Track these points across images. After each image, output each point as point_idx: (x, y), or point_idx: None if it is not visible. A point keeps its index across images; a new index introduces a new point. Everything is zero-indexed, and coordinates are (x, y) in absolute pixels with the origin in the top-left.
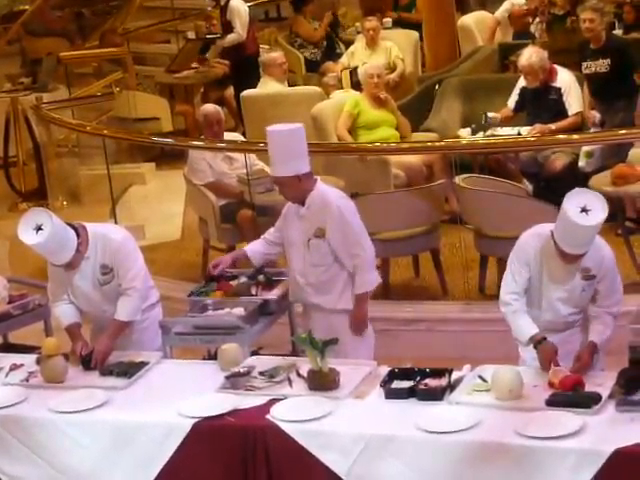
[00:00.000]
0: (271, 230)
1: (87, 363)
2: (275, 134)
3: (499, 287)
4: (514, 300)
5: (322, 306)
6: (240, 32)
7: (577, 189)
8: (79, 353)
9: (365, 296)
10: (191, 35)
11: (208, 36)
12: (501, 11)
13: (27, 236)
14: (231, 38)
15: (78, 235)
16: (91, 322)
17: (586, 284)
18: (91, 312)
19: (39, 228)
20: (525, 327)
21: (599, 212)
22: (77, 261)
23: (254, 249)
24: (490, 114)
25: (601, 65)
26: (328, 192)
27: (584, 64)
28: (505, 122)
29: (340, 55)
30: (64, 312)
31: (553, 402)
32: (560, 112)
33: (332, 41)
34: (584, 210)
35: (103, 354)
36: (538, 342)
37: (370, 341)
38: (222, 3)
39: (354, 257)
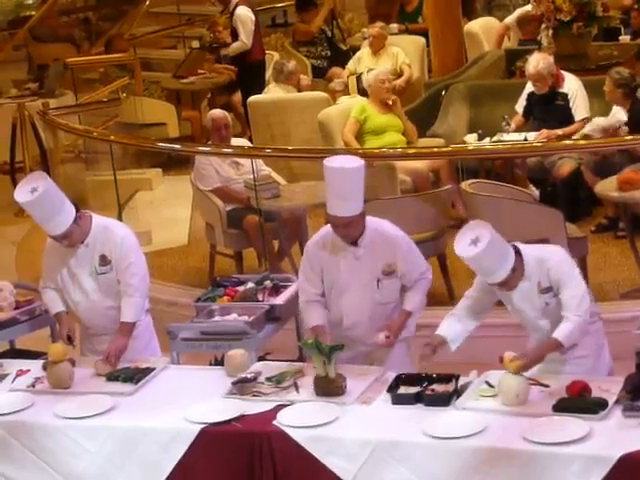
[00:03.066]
0: (310, 290)
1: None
2: (347, 171)
3: None
4: (459, 308)
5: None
6: (244, 40)
7: (467, 225)
8: (65, 335)
9: (410, 315)
10: (196, 45)
11: (213, 45)
12: (512, 18)
13: (21, 195)
14: (236, 47)
15: (78, 210)
16: (80, 313)
17: (546, 297)
18: (81, 302)
19: (34, 190)
20: (440, 327)
21: (484, 239)
22: (75, 237)
23: (324, 319)
24: (507, 117)
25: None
26: (381, 225)
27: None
28: (518, 129)
29: (348, 58)
30: (54, 299)
31: (560, 408)
32: (567, 118)
33: (336, 45)
34: (474, 242)
35: (119, 351)
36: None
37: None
38: (230, 9)
39: (421, 279)
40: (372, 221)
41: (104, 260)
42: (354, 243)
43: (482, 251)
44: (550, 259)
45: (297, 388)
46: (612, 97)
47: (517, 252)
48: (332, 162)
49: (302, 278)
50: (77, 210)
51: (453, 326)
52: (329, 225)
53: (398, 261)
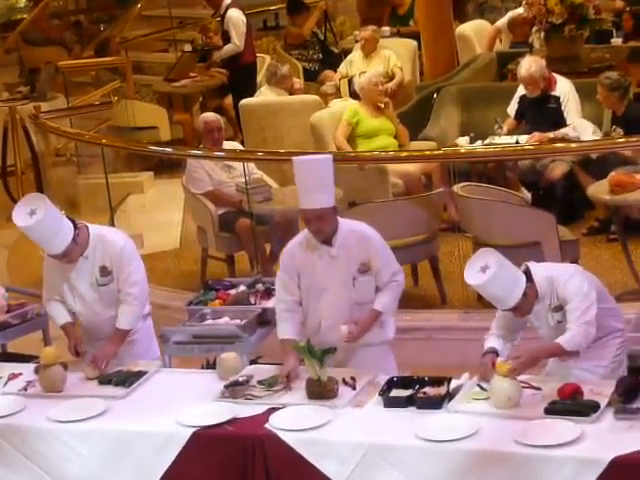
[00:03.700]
0: (286, 297)
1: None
2: (314, 163)
3: None
4: (494, 328)
5: (363, 342)
6: (237, 43)
7: (476, 253)
8: (75, 349)
9: (379, 315)
10: (187, 48)
11: (205, 48)
12: (503, 20)
13: (20, 219)
14: (228, 49)
15: (76, 227)
16: (82, 325)
17: (558, 315)
18: (83, 313)
19: (33, 212)
20: (487, 342)
21: (493, 266)
22: (74, 254)
23: (297, 332)
24: (500, 120)
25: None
26: (356, 224)
27: (613, 127)
28: (510, 132)
29: (339, 61)
30: (59, 311)
31: (551, 410)
32: (559, 121)
33: (328, 48)
34: (483, 269)
35: (107, 357)
36: (484, 354)
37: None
38: (221, 12)
39: (392, 282)
40: (347, 222)
41: (104, 271)
42: (328, 243)
43: (490, 278)
44: (559, 278)
45: (289, 383)
46: (608, 102)
47: (528, 276)
48: (300, 157)
49: (278, 286)
50: (75, 227)
51: (497, 341)
52: (304, 231)
53: (372, 258)
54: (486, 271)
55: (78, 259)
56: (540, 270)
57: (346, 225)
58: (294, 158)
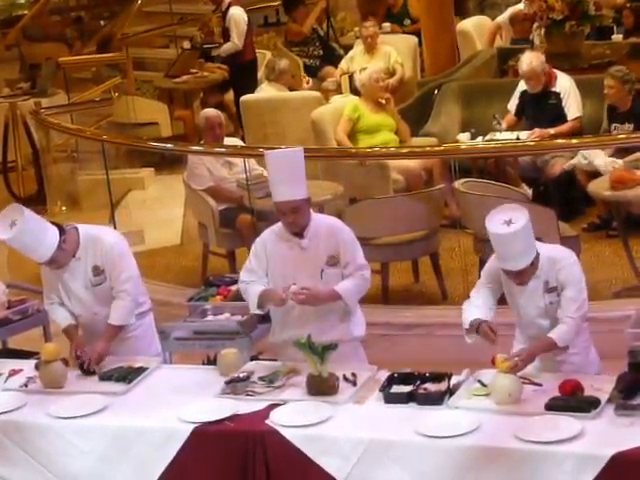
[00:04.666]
0: (245, 279)
1: (84, 368)
2: (286, 156)
3: None
4: (473, 295)
5: (334, 339)
6: (236, 41)
7: (502, 206)
8: (75, 353)
9: (338, 297)
10: (187, 45)
11: (205, 45)
12: (504, 16)
13: (1, 232)
14: (227, 47)
15: (62, 233)
16: (82, 326)
17: (551, 296)
18: (82, 314)
19: (13, 224)
20: (468, 314)
21: (520, 222)
22: (62, 259)
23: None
24: (498, 116)
25: (626, 130)
26: (328, 218)
27: (612, 125)
28: (510, 128)
29: (340, 57)
30: (60, 313)
31: (552, 406)
32: (559, 117)
33: (328, 44)
34: (507, 222)
35: (98, 355)
36: (478, 326)
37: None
38: (223, 9)
39: (357, 274)
40: (318, 215)
41: (97, 270)
42: (300, 235)
43: (515, 232)
44: (562, 260)
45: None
46: (617, 96)
47: None
48: (272, 151)
49: (244, 269)
50: (62, 232)
51: (477, 311)
52: (278, 223)
53: (340, 251)
54: (511, 225)
55: (69, 262)
56: (541, 248)
57: (318, 218)
58: (266, 152)
